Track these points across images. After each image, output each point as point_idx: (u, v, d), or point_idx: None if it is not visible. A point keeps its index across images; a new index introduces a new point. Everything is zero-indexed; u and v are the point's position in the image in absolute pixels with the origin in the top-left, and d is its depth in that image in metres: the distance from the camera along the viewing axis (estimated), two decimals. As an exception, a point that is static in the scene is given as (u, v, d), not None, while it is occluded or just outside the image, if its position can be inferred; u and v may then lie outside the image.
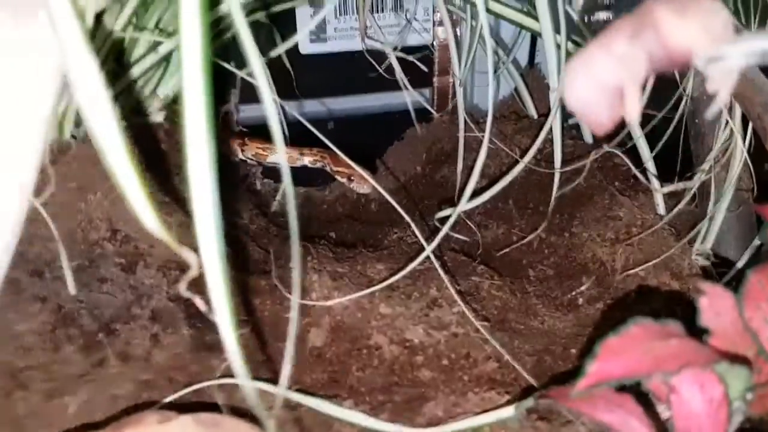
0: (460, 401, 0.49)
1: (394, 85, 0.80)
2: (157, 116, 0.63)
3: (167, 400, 0.49)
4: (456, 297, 0.54)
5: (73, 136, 0.55)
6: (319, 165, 0.79)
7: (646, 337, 0.32)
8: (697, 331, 0.35)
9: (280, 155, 0.75)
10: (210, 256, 0.28)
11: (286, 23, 0.78)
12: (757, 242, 0.62)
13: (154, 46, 0.56)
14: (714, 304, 0.34)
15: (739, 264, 0.62)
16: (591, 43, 0.26)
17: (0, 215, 0.30)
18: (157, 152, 0.60)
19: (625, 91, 0.25)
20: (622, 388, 0.35)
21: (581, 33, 0.68)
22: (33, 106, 0.30)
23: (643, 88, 0.29)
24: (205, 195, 0.27)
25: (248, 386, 0.32)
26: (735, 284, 0.35)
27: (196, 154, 0.27)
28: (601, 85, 0.25)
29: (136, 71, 0.56)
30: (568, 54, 0.62)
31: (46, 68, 0.30)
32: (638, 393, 0.36)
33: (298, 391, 0.50)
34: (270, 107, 0.28)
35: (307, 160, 0.80)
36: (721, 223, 0.63)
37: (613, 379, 0.31)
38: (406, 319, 0.55)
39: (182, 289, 0.34)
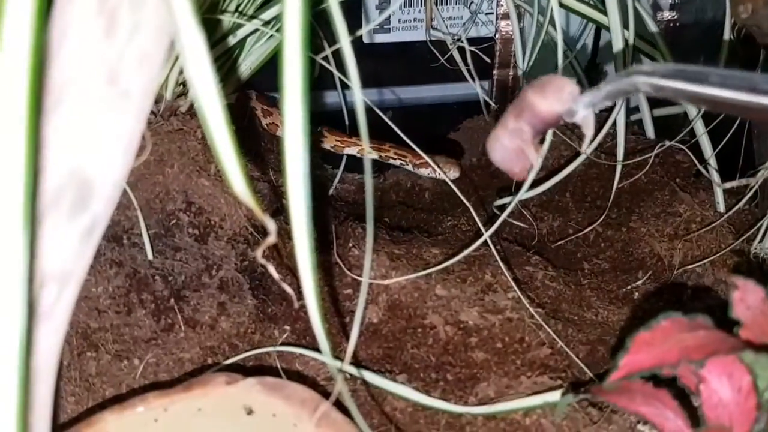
0: (512, 383, 0.50)
1: (454, 76, 0.81)
2: (229, 99, 0.66)
3: (230, 361, 0.52)
4: (511, 282, 0.55)
5: (153, 113, 0.59)
6: (398, 163, 0.78)
7: (676, 329, 0.33)
8: (731, 324, 0.35)
9: (365, 151, 0.76)
10: (299, 222, 0.30)
11: (350, 13, 0.79)
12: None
13: (234, 29, 0.58)
14: (745, 297, 0.35)
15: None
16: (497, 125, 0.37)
17: (107, 168, 0.33)
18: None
19: (524, 151, 0.35)
20: (660, 383, 0.36)
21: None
22: (141, 75, 0.32)
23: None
24: (299, 172, 0.29)
25: (328, 358, 0.35)
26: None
27: (292, 135, 0.29)
28: (507, 149, 0.36)
29: (216, 52, 0.59)
30: (635, 49, 0.62)
31: (157, 39, 0.32)
32: (676, 387, 0.37)
33: (354, 364, 0.52)
34: (359, 98, 0.30)
35: (388, 159, 0.78)
36: (782, 223, 0.62)
37: (644, 370, 0.32)
38: (461, 301, 0.56)
39: (259, 255, 0.37)
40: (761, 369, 0.33)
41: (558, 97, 0.34)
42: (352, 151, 0.79)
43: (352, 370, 0.51)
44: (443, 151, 0.77)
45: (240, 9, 0.58)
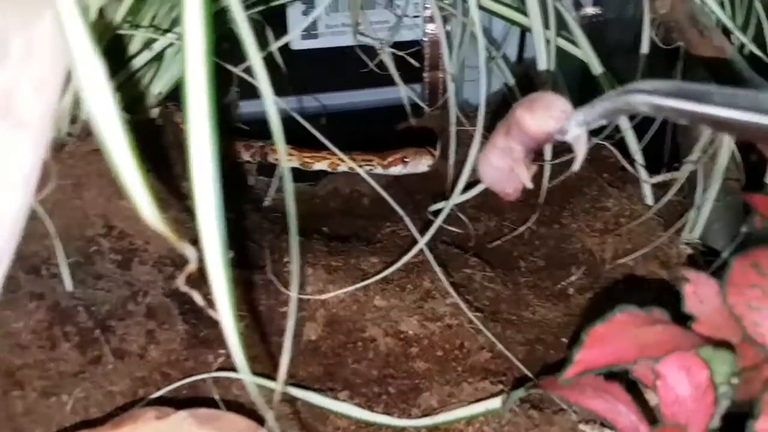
0: (454, 391, 0.50)
1: (385, 81, 0.80)
2: (151, 113, 0.63)
3: (158, 394, 0.49)
4: (449, 288, 0.55)
5: (69, 134, 0.56)
6: (368, 169, 0.74)
7: (632, 324, 0.33)
8: (682, 319, 0.36)
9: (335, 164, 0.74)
10: (212, 250, 0.29)
11: (276, 19, 0.78)
12: (744, 231, 0.63)
13: (149, 42, 0.56)
14: (698, 291, 0.35)
15: (726, 253, 0.62)
16: (487, 143, 0.35)
17: (2, 203, 0.30)
18: (150, 149, 0.60)
19: (515, 170, 0.34)
20: (611, 376, 0.36)
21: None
22: (38, 102, 0.30)
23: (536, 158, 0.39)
24: (209, 189, 0.28)
25: (250, 381, 0.33)
26: (722, 272, 0.36)
27: (199, 150, 0.27)
28: (497, 169, 0.35)
29: (130, 68, 0.57)
30: (558, 49, 0.62)
31: (52, 65, 0.30)
32: (627, 380, 0.37)
33: (294, 384, 0.51)
34: (270, 105, 0.29)
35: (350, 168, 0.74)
36: (709, 213, 0.63)
37: (600, 367, 0.31)
38: (400, 311, 0.55)
39: (180, 283, 0.35)
40: (718, 364, 0.33)
41: (548, 115, 0.32)
42: (322, 165, 0.76)
43: (293, 390, 0.50)
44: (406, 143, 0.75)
45: (154, 23, 0.56)
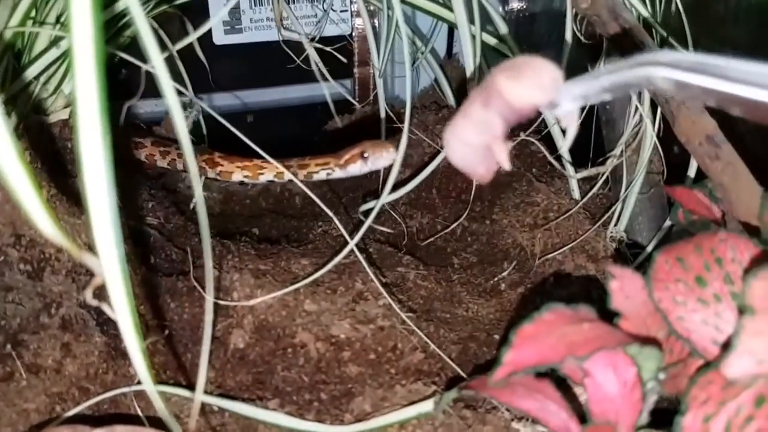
0: (387, 395, 0.49)
1: (313, 77, 0.78)
2: (63, 113, 0.59)
3: (76, 410, 0.47)
4: (381, 289, 0.54)
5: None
6: (326, 174, 0.67)
7: (560, 322, 0.33)
8: (610, 314, 0.36)
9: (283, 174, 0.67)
10: (108, 258, 0.27)
11: (199, 15, 0.75)
12: (668, 223, 0.65)
13: (56, 41, 0.53)
14: (624, 287, 0.35)
15: (651, 245, 0.64)
16: (456, 115, 0.30)
17: None
18: (60, 150, 0.57)
19: (492, 147, 0.29)
20: (541, 373, 0.36)
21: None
22: None
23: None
24: (101, 195, 0.26)
25: (154, 394, 0.31)
26: (647, 266, 0.36)
27: (90, 154, 0.25)
28: (470, 146, 0.30)
29: (37, 68, 0.53)
30: (483, 44, 0.62)
31: None
32: (557, 376, 0.37)
33: (221, 395, 0.49)
34: (173, 103, 0.27)
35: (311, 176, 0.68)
36: (633, 206, 0.65)
37: (529, 367, 0.31)
38: (331, 314, 0.54)
39: (89, 297, 0.33)
40: (645, 360, 0.33)
41: (537, 83, 0.27)
42: (269, 176, 0.70)
43: (215, 401, 0.48)
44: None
45: (60, 20, 0.53)
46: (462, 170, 0.31)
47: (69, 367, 0.49)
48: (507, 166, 0.30)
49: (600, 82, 0.27)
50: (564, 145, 0.27)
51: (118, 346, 0.51)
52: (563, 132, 0.69)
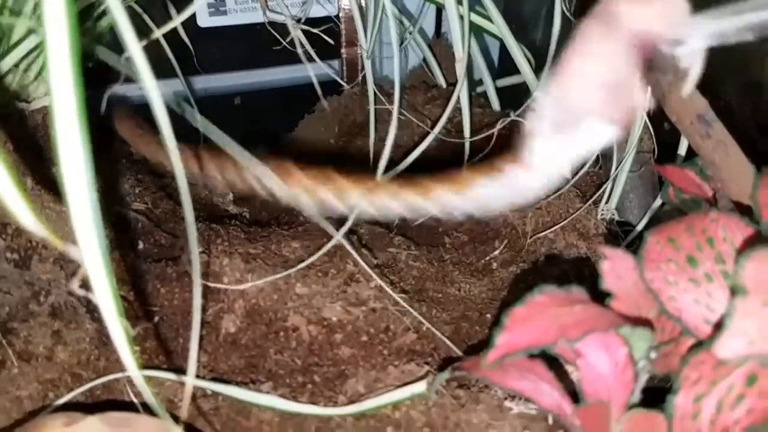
0: (380, 376, 0.49)
1: (300, 58, 0.77)
2: (45, 100, 0.58)
3: (69, 396, 0.47)
4: (371, 272, 0.54)
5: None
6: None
7: (552, 304, 0.33)
8: (601, 294, 0.36)
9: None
10: (88, 246, 0.26)
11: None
12: (658, 202, 0.65)
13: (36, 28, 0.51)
14: (615, 267, 0.35)
15: (641, 224, 0.64)
16: (567, 56, 0.25)
17: None
18: (43, 137, 0.56)
19: (629, 85, 0.25)
20: (533, 353, 0.36)
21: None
22: None
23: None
24: (79, 184, 0.25)
25: (140, 379, 0.31)
26: (637, 244, 0.36)
27: (67, 143, 0.25)
28: (599, 86, 0.25)
29: (17, 54, 0.52)
30: (471, 24, 0.61)
31: None
32: (549, 356, 0.37)
33: (214, 379, 0.49)
34: (152, 89, 0.26)
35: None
36: (624, 184, 0.65)
37: (521, 350, 0.31)
38: (323, 297, 0.54)
39: (75, 286, 0.32)
40: (637, 340, 0.33)
41: (662, 11, 0.23)
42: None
43: (207, 384, 0.48)
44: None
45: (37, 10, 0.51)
46: (591, 117, 0.26)
47: (60, 354, 0.49)
48: (647, 107, 0.26)
49: (744, 19, 0.23)
50: (685, 90, 0.23)
51: (109, 332, 0.51)
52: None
